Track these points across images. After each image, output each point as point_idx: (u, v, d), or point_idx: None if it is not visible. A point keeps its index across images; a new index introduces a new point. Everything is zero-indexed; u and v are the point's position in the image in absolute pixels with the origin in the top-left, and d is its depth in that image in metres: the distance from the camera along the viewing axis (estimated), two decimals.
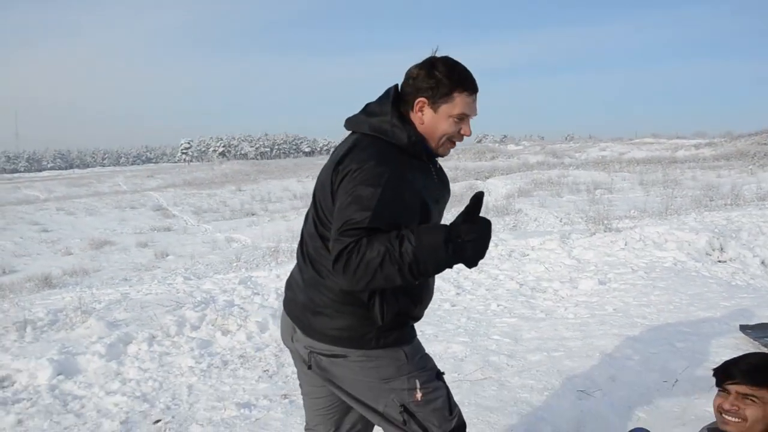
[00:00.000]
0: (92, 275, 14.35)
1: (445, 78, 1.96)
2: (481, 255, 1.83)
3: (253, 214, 24.84)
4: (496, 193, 23.68)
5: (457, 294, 6.39)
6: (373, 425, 2.35)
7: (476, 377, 4.17)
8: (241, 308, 6.01)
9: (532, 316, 5.48)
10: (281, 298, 6.18)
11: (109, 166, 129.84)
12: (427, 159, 2.05)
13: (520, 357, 4.58)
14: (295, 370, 4.47)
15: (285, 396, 4.21)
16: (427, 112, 1.98)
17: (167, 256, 16.42)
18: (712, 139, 44.17)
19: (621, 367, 4.21)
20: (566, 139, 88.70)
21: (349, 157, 1.93)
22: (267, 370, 4.69)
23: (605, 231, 8.64)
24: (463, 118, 2.00)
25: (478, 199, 1.80)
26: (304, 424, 2.43)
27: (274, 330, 5.52)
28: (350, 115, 2.08)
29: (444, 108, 1.97)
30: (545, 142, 72.66)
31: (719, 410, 2.01)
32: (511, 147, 57.47)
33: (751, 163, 27.34)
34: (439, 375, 2.18)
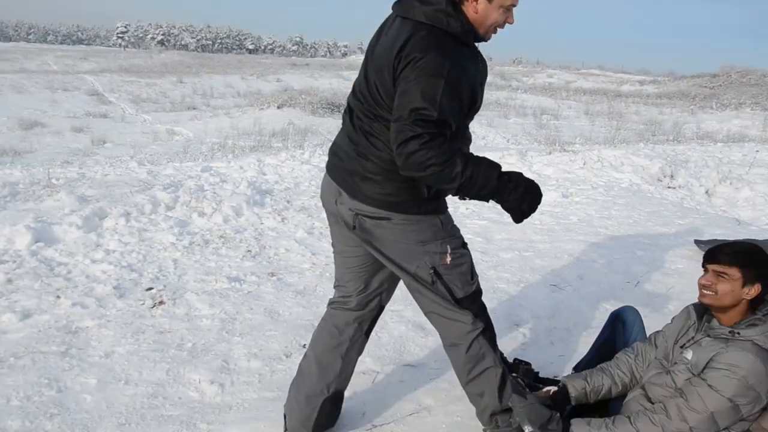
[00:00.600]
0: (25, 156, 13.80)
1: None
2: (527, 209, 2.19)
3: (194, 108, 24.11)
4: None
5: None
6: (395, 285, 2.60)
7: None
8: (214, 193, 6.07)
9: (500, 219, 5.82)
10: (253, 186, 6.25)
11: (35, 42, 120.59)
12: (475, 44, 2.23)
13: (493, 254, 4.92)
14: (279, 251, 4.66)
15: (272, 274, 4.42)
16: (482, 2, 2.12)
17: (105, 143, 15.89)
18: (656, 77, 45.54)
19: (588, 268, 4.63)
20: (514, 62, 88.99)
21: (410, 44, 2.05)
22: (250, 251, 4.86)
23: (561, 151, 9.04)
24: (510, 8, 2.17)
25: None
26: (333, 281, 2.65)
27: (250, 215, 5.66)
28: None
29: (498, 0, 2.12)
30: (493, 63, 72.73)
31: (699, 286, 2.33)
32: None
33: (692, 103, 28.55)
34: (465, 244, 2.44)
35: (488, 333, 2.46)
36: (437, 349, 3.41)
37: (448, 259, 2.32)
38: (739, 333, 2.16)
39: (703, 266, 2.29)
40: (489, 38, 2.24)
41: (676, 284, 4.19)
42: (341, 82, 33.03)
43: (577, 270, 4.57)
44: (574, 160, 8.13)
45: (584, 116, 23.62)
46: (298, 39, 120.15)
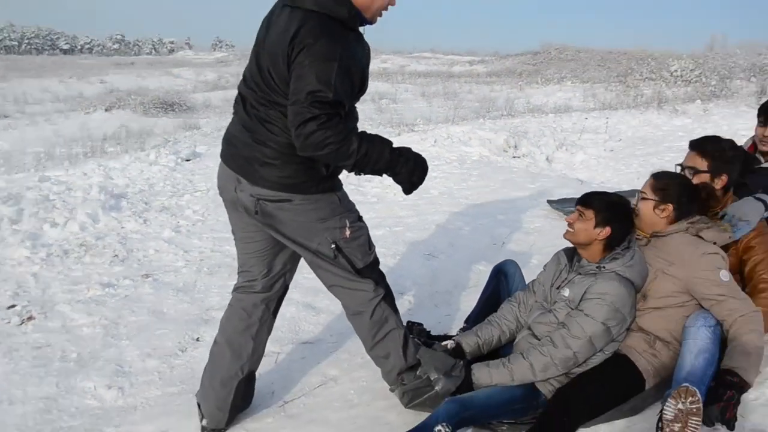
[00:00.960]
0: None
1: None
2: (416, 181, 2.39)
3: (6, 117, 21.93)
4: None
5: None
6: (297, 264, 2.70)
7: None
8: (63, 201, 5.72)
9: (365, 200, 6.05)
10: (105, 191, 5.96)
11: None
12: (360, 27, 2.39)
13: None
14: (148, 252, 4.54)
15: (147, 275, 4.30)
16: None
17: None
18: (483, 57, 48.40)
19: (456, 236, 4.98)
20: None
21: (303, 31, 2.15)
22: (117, 256, 4.67)
23: (410, 132, 9.48)
24: None
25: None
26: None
27: (109, 221, 5.42)
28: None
29: None
30: None
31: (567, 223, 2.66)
32: None
33: (519, 80, 30.74)
34: (360, 217, 2.60)
35: (389, 298, 2.64)
36: (330, 325, 3.57)
37: (348, 232, 2.45)
38: (604, 267, 2.52)
39: (575, 206, 2.63)
40: (375, 21, 2.39)
41: (536, 241, 4.65)
42: (172, 80, 31.65)
43: (446, 238, 4.90)
44: (425, 138, 8.57)
45: (421, 98, 24.57)
46: (119, 37, 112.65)
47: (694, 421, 2.11)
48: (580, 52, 40.99)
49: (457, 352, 2.74)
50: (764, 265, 2.67)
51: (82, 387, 2.93)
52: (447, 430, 2.06)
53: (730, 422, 2.24)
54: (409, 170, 2.37)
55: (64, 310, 3.71)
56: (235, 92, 2.48)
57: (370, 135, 2.31)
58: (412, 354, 2.65)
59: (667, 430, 2.14)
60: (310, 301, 3.77)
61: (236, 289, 2.66)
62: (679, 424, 2.12)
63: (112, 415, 2.73)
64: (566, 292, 2.58)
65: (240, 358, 2.60)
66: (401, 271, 4.29)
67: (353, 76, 2.23)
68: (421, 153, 2.46)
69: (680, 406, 2.13)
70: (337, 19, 2.20)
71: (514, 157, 8.14)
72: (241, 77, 2.47)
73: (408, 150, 2.40)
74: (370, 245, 2.59)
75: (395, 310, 2.66)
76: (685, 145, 2.97)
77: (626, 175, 7.38)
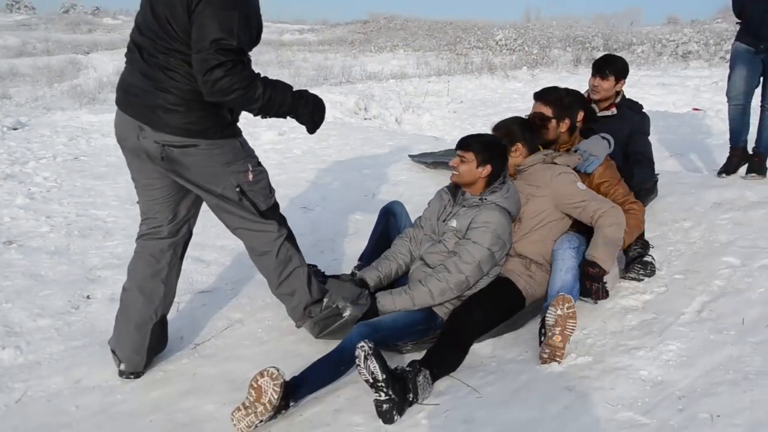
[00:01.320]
0: None
1: None
2: (318, 120, 2.63)
3: None
4: (103, 69, 21.80)
5: None
6: (200, 208, 2.81)
7: None
8: None
9: None
10: None
11: None
12: None
13: None
14: (3, 220, 4.33)
15: (10, 242, 4.08)
16: None
17: None
18: (313, 26, 48.32)
19: (327, 190, 5.23)
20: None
21: None
22: None
23: None
24: None
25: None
26: (141, 216, 2.74)
27: None
28: None
29: None
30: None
31: (450, 167, 3.00)
32: (108, 21, 52.94)
33: (352, 48, 31.24)
34: (260, 163, 2.76)
35: (291, 238, 2.83)
36: (223, 275, 3.69)
37: (251, 176, 2.61)
38: (486, 199, 2.90)
39: (456, 150, 2.98)
40: None
41: (404, 192, 5.02)
42: None
43: (319, 193, 5.13)
44: None
45: (255, 66, 24.18)
46: None
47: (571, 324, 2.58)
48: (408, 22, 42.36)
49: (361, 284, 3.02)
50: (619, 188, 3.20)
51: None
52: (369, 344, 2.32)
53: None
54: (309, 111, 2.58)
55: None
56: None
57: (273, 80, 2.46)
58: (316, 289, 2.88)
59: (549, 333, 2.58)
60: (198, 255, 3.83)
61: (141, 236, 2.71)
62: (559, 328, 2.56)
63: (15, 372, 2.67)
64: (453, 223, 2.93)
65: (152, 302, 2.67)
66: None
67: (251, 23, 2.40)
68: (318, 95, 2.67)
69: (559, 311, 2.57)
70: None
71: (365, 118, 8.51)
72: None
73: (307, 92, 2.60)
74: (271, 189, 2.76)
75: (298, 249, 2.86)
76: (521, 105, 3.48)
77: (470, 132, 8.07)
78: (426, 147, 6.26)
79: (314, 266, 3.31)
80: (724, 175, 4.61)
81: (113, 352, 2.67)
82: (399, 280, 3.11)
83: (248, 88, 2.31)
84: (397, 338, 2.77)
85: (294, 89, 2.54)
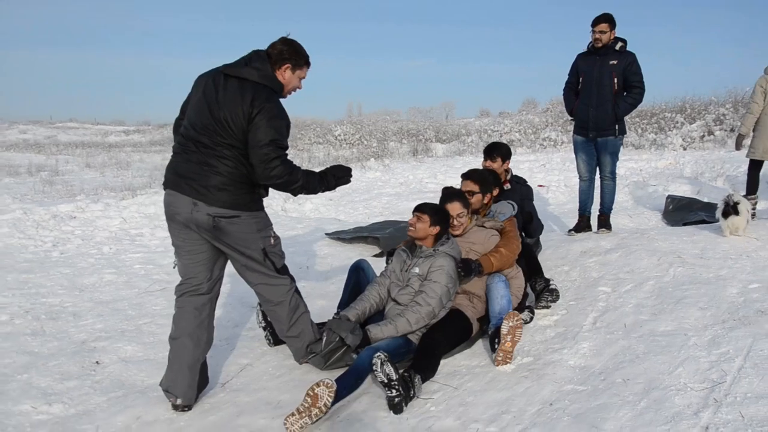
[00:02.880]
0: None
1: (301, 53, 3.42)
2: (342, 183, 3.61)
3: None
4: None
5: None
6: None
7: None
8: None
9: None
10: None
11: None
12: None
13: None
14: None
15: None
16: (288, 73, 3.38)
17: None
18: (138, 127, 47.86)
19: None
20: None
21: (258, 98, 3.16)
22: None
23: (133, 196, 9.88)
24: (302, 78, 3.49)
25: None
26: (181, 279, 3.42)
27: None
28: None
29: (298, 72, 3.43)
30: None
31: (409, 224, 3.92)
32: None
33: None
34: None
35: (298, 290, 3.69)
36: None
37: (272, 240, 3.47)
38: (438, 249, 3.92)
39: (413, 213, 3.94)
40: (286, 97, 3.47)
41: (333, 261, 5.88)
42: None
43: None
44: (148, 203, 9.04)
45: (88, 168, 23.67)
46: None
47: (519, 332, 3.59)
48: None
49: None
50: (506, 238, 4.29)
51: (20, 410, 3.24)
52: (384, 354, 3.20)
53: None
54: (333, 183, 3.55)
55: None
56: None
57: (305, 170, 3.40)
58: (316, 330, 3.72)
59: (503, 341, 3.54)
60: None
61: (183, 294, 3.39)
62: (510, 335, 3.55)
63: (75, 419, 3.17)
64: (416, 270, 3.86)
65: (199, 347, 3.35)
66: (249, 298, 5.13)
67: (288, 128, 3.33)
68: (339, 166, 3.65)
69: (511, 323, 3.56)
70: (274, 90, 3.29)
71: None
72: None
73: (327, 171, 3.55)
74: (282, 252, 3.61)
75: (302, 298, 3.71)
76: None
77: (357, 215, 9.20)
78: (336, 226, 7.22)
79: None
80: (573, 233, 6.12)
81: (167, 391, 3.26)
82: (371, 319, 3.97)
83: (292, 174, 3.25)
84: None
85: (318, 171, 3.50)
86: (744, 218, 5.26)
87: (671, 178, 10.13)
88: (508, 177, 5.01)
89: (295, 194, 3.41)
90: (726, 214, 5.31)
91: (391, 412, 3.18)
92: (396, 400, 3.17)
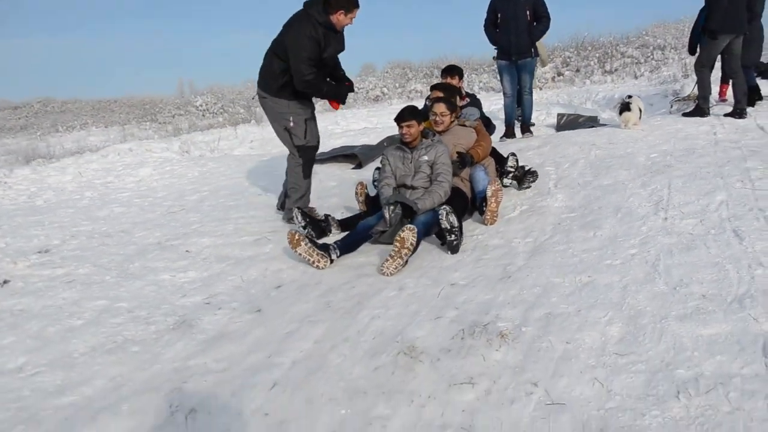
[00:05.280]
0: None
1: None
2: (342, 98, 4.91)
3: None
4: None
5: None
6: None
7: None
8: None
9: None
10: None
11: None
12: (335, 32, 4.68)
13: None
14: None
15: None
16: (341, 16, 4.60)
17: None
18: None
19: (273, 185, 6.87)
20: None
21: (294, 23, 4.48)
22: None
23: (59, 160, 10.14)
24: (352, 19, 4.71)
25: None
26: None
27: None
28: None
29: (350, 15, 4.64)
30: None
31: (401, 135, 5.05)
32: None
33: (33, 132, 29.95)
34: (306, 120, 4.85)
35: (310, 161, 4.98)
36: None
37: (291, 123, 4.77)
38: (435, 139, 5.11)
39: (399, 125, 4.92)
40: (341, 29, 4.76)
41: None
42: None
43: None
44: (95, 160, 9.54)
45: None
46: None
47: (500, 195, 4.82)
48: (67, 104, 41.40)
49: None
50: (481, 135, 5.61)
51: (162, 278, 4.14)
52: (449, 208, 4.36)
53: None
54: (343, 96, 4.87)
55: None
56: None
57: (328, 82, 4.72)
58: (306, 199, 5.08)
59: (488, 203, 4.72)
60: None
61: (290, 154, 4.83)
62: (494, 197, 4.75)
63: (213, 280, 4.14)
64: (425, 158, 4.91)
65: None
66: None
67: (317, 49, 4.58)
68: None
69: (494, 188, 4.80)
70: (318, 21, 4.52)
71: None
72: None
73: (339, 87, 4.87)
74: (306, 138, 4.90)
75: (308, 178, 5.09)
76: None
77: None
78: None
79: (327, 217, 5.15)
80: (505, 139, 7.67)
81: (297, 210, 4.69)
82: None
83: (320, 84, 4.63)
84: (427, 232, 4.41)
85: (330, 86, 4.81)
86: (635, 114, 7.02)
87: (549, 106, 12.07)
88: (463, 93, 6.35)
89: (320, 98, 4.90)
90: (622, 111, 7.06)
91: (449, 252, 4.20)
92: (455, 243, 4.20)
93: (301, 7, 4.65)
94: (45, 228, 5.65)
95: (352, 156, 7.81)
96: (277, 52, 4.66)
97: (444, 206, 4.32)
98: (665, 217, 4.23)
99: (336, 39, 4.71)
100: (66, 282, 4.18)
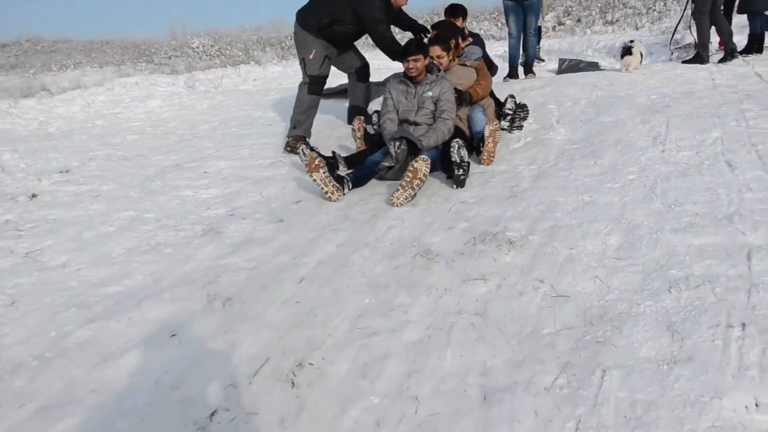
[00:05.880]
0: None
1: None
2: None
3: None
4: None
5: None
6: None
7: None
8: None
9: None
10: None
11: None
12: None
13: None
14: None
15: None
16: None
17: None
18: None
19: (282, 115, 7.06)
20: None
21: None
22: None
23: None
24: None
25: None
26: None
27: None
28: None
29: None
30: None
31: (407, 69, 5.03)
32: None
33: (27, 70, 29.68)
34: (325, 57, 5.08)
35: (317, 86, 5.31)
36: None
37: (310, 56, 5.07)
38: (440, 75, 5.27)
39: (405, 59, 4.94)
40: (401, 5, 5.20)
41: None
42: None
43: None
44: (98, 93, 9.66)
45: None
46: None
47: (497, 134, 4.89)
48: (58, 43, 40.88)
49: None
50: (481, 74, 5.78)
51: (185, 195, 4.37)
52: (461, 141, 4.49)
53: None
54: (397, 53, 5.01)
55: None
56: None
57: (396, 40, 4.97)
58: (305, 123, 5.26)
59: (485, 142, 4.73)
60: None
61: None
62: (491, 138, 4.79)
63: (234, 197, 4.37)
64: (429, 93, 4.93)
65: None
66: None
67: (387, 12, 4.90)
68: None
69: (491, 127, 4.82)
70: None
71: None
72: None
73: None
74: (318, 70, 5.22)
75: (311, 102, 5.42)
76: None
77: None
78: None
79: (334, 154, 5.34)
80: (508, 79, 7.84)
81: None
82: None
83: (391, 44, 4.98)
84: (432, 167, 4.50)
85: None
86: (636, 58, 7.20)
87: (551, 54, 12.18)
88: (466, 33, 6.49)
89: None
90: (623, 55, 7.23)
91: (455, 186, 4.19)
92: (462, 177, 4.19)
93: None
94: (61, 152, 5.83)
95: None
96: (333, 7, 5.11)
97: (456, 139, 4.33)
98: (663, 150, 4.46)
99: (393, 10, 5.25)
100: (92, 196, 4.39)
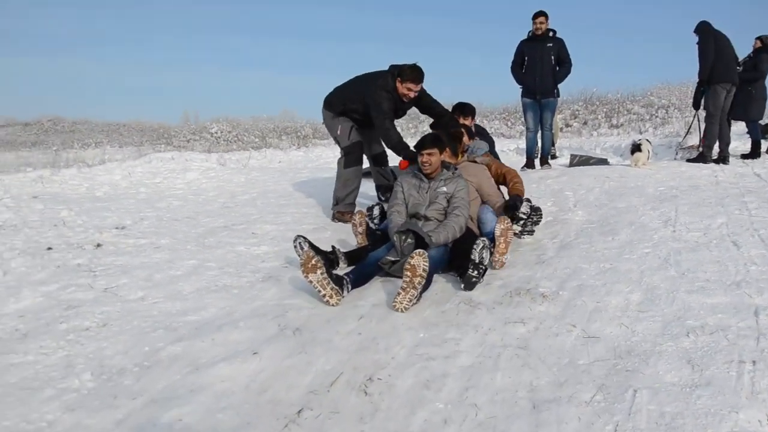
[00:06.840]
0: None
1: (416, 73, 5.53)
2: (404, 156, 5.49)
3: None
4: None
5: None
6: None
7: None
8: None
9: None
10: None
11: None
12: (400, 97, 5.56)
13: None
14: None
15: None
16: (404, 86, 5.48)
17: None
18: None
19: (315, 187, 7.59)
20: None
21: (376, 84, 5.38)
22: None
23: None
24: (409, 89, 5.57)
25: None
26: None
27: None
28: None
29: (409, 85, 5.51)
30: None
31: (421, 162, 5.03)
32: None
33: (49, 148, 30.77)
34: (352, 127, 5.78)
35: (352, 156, 5.79)
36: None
37: (338, 132, 5.66)
38: (456, 172, 5.62)
39: (420, 153, 5.00)
40: (404, 99, 5.63)
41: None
42: None
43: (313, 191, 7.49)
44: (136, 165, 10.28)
45: None
46: None
47: (510, 234, 4.74)
48: (77, 124, 42.33)
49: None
50: (508, 171, 6.23)
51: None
52: (486, 241, 4.74)
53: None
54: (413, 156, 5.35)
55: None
56: None
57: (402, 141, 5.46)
58: (345, 193, 5.99)
59: (497, 242, 4.51)
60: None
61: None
62: (503, 237, 4.65)
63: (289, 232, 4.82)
64: (444, 189, 4.54)
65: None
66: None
67: (391, 106, 5.46)
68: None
69: (503, 226, 4.68)
70: (390, 89, 5.44)
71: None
72: None
73: (407, 147, 5.49)
74: (347, 142, 5.76)
75: (354, 174, 5.88)
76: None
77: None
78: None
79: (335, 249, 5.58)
80: (526, 169, 8.44)
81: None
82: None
83: (392, 137, 5.45)
84: (436, 268, 4.05)
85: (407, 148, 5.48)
86: (645, 154, 7.83)
87: (563, 150, 12.91)
88: (473, 131, 6.93)
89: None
90: (633, 151, 7.87)
91: (463, 287, 3.81)
92: (474, 280, 3.79)
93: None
94: (114, 212, 6.31)
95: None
96: (349, 94, 5.77)
97: (482, 238, 4.09)
98: (673, 230, 4.93)
99: (396, 99, 5.67)
100: (153, 248, 4.83)
